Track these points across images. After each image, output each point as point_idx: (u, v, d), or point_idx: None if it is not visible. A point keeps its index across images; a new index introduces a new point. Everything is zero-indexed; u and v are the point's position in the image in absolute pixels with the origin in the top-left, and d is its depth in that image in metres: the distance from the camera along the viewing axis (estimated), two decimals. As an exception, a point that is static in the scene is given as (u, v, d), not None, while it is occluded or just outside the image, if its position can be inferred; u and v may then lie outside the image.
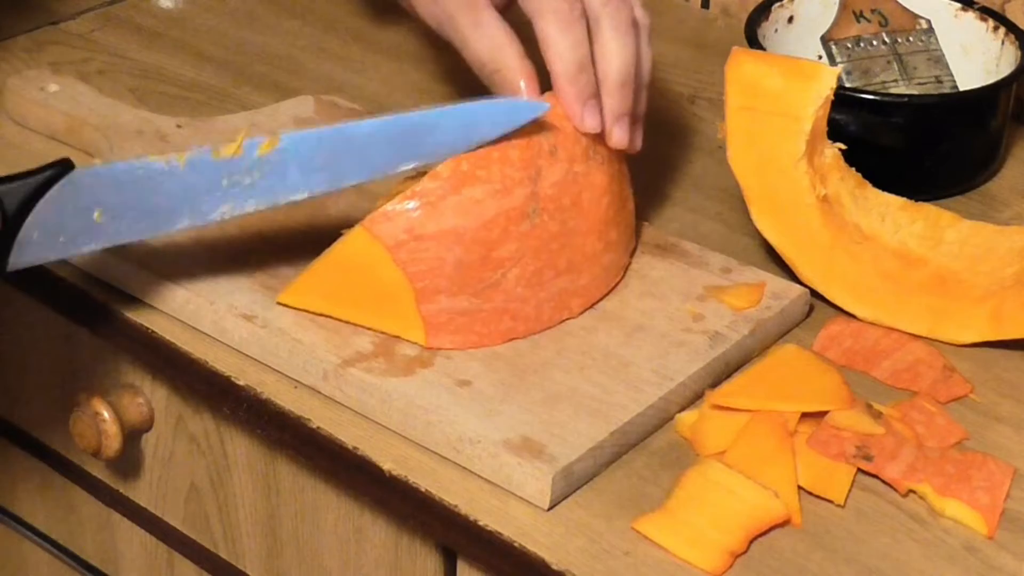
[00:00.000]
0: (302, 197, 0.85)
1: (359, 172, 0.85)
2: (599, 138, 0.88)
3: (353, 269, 0.85)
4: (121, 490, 1.03)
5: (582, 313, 0.88)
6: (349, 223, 0.87)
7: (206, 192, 0.84)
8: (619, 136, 0.89)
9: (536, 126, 0.86)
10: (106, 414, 0.95)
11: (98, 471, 1.04)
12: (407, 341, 0.86)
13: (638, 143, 0.91)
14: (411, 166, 0.85)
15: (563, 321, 0.88)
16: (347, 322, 0.87)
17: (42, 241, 0.81)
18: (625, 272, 0.92)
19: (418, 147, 0.85)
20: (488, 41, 0.89)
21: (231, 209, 0.85)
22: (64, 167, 0.82)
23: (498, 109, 0.86)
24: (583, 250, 0.87)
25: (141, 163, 0.84)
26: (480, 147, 0.84)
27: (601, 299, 0.89)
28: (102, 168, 0.84)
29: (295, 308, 0.87)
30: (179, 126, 1.02)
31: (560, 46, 0.87)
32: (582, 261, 0.88)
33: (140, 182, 0.84)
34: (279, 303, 0.88)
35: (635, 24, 0.90)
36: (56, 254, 0.83)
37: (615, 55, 0.88)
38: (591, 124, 0.87)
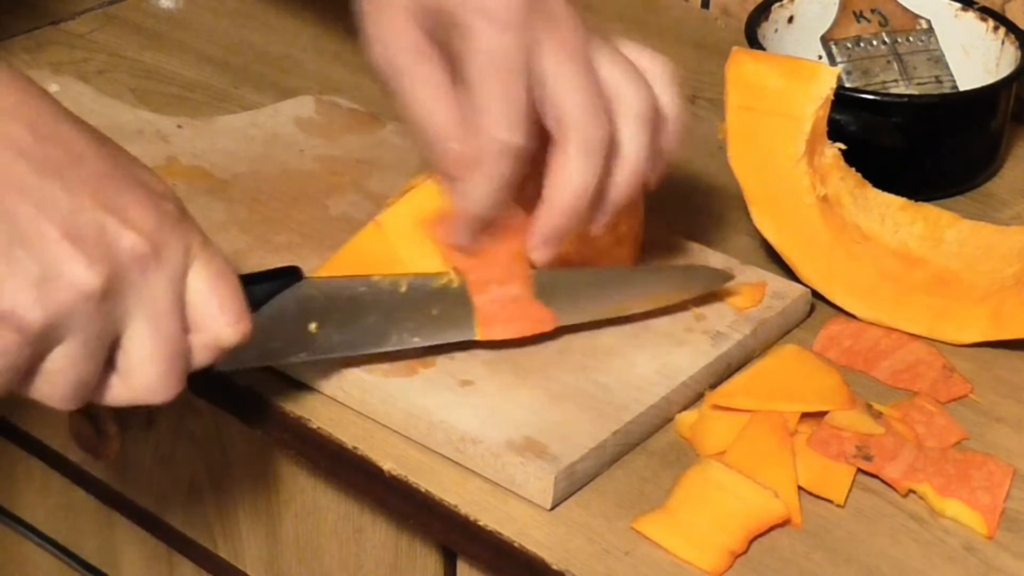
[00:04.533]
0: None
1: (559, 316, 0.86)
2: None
3: (368, 264, 0.85)
4: (121, 490, 1.03)
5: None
6: (351, 223, 0.87)
7: (417, 316, 0.83)
8: (539, 256, 0.83)
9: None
10: (106, 414, 0.95)
11: (98, 471, 1.04)
12: None
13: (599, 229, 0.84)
14: (601, 317, 0.87)
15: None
16: None
17: (258, 345, 0.78)
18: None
19: (615, 297, 0.87)
20: (428, 102, 0.80)
21: (431, 338, 0.84)
22: (293, 275, 0.80)
23: (688, 273, 0.90)
24: (596, 245, 0.87)
25: (365, 281, 0.82)
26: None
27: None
28: (329, 282, 0.82)
29: None
30: (179, 126, 1.03)
31: (576, 181, 0.80)
32: (594, 256, 0.87)
33: (360, 299, 0.82)
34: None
35: (654, 119, 0.83)
36: (266, 361, 0.81)
37: (576, 179, 0.80)
38: (544, 257, 0.83)
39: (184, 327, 0.72)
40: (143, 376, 0.71)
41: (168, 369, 0.71)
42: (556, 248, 0.82)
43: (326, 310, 0.81)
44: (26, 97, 0.71)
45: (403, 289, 0.83)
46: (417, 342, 0.83)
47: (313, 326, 0.81)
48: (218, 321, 0.72)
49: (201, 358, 0.73)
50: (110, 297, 0.69)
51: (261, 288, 0.79)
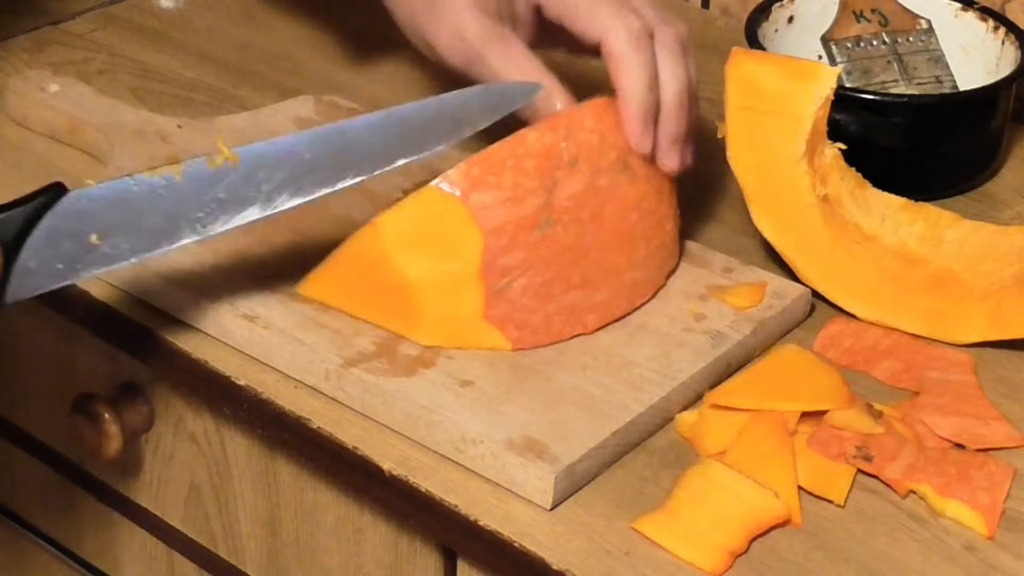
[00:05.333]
0: (302, 200, 0.84)
1: (357, 170, 0.84)
2: (637, 154, 0.88)
3: (364, 266, 0.85)
4: (121, 490, 1.03)
5: (597, 330, 0.88)
6: (351, 223, 0.87)
7: (204, 204, 0.82)
8: (671, 161, 0.89)
9: (561, 135, 0.85)
10: (106, 414, 0.95)
11: (98, 471, 1.04)
12: (409, 341, 0.86)
13: (689, 161, 0.91)
14: (407, 160, 0.84)
15: (575, 336, 0.87)
16: (357, 318, 0.86)
17: (40, 270, 0.79)
18: (657, 292, 0.91)
19: (412, 140, 0.84)
20: (520, 73, 0.89)
21: (230, 220, 0.83)
22: (56, 192, 0.79)
23: (488, 94, 0.86)
24: (601, 265, 0.87)
25: (136, 180, 0.82)
26: (472, 133, 0.84)
27: (623, 317, 0.89)
28: (96, 189, 0.81)
29: (309, 300, 0.87)
30: (180, 126, 1.03)
31: (633, 63, 0.88)
32: (599, 276, 0.87)
33: (137, 200, 0.81)
34: (298, 292, 0.88)
35: (684, 45, 0.91)
36: (55, 282, 0.80)
37: (675, 78, 0.89)
38: (647, 145, 0.88)
39: None
40: None
41: None
42: (679, 150, 0.89)
43: (103, 218, 0.80)
44: None
45: (179, 179, 0.82)
46: (212, 230, 0.82)
47: (94, 237, 0.80)
48: None
49: None
50: None
51: (23, 210, 0.78)
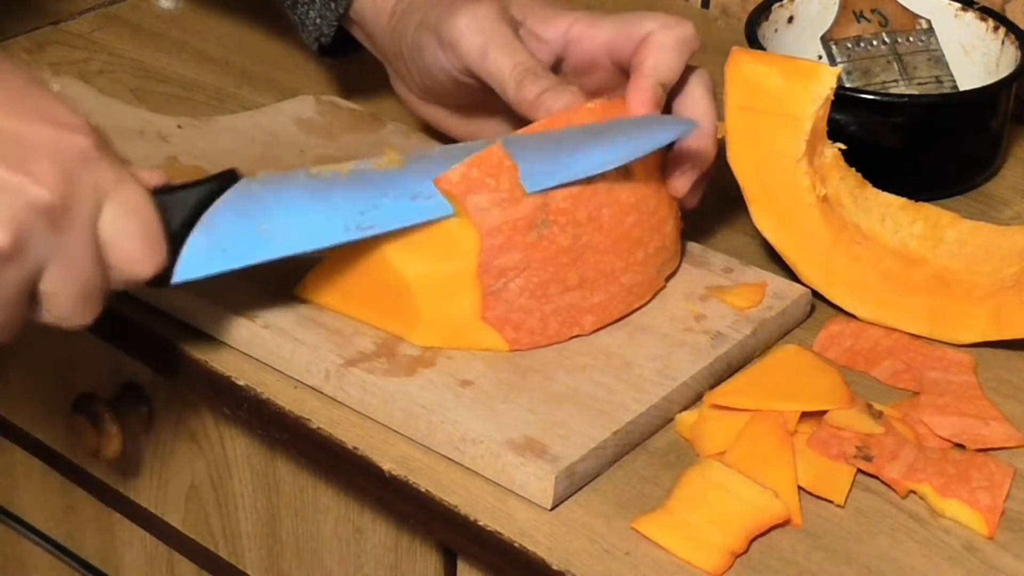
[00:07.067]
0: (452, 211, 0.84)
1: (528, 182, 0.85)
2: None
3: (361, 267, 0.85)
4: (121, 490, 1.03)
5: (595, 332, 0.88)
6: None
7: (367, 205, 0.83)
8: (693, 199, 0.92)
9: None
10: (106, 414, 0.95)
11: (98, 471, 1.04)
12: (408, 341, 0.86)
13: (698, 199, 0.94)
14: (564, 181, 0.85)
15: (572, 338, 0.87)
16: (355, 319, 0.86)
17: (205, 253, 0.79)
18: (656, 294, 0.91)
19: (573, 164, 0.85)
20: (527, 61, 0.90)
21: (388, 222, 0.83)
22: (229, 178, 0.80)
23: (647, 125, 0.88)
24: (599, 267, 0.86)
25: (307, 174, 0.83)
26: (629, 163, 0.86)
27: (621, 319, 0.89)
28: (267, 179, 0.82)
29: (307, 301, 0.87)
30: (180, 127, 1.03)
31: (670, 52, 0.89)
32: (597, 278, 0.87)
33: (304, 194, 0.82)
34: (297, 294, 0.88)
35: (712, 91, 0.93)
36: (218, 267, 0.80)
37: (708, 116, 0.91)
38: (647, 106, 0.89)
39: (99, 262, 0.74)
40: (60, 308, 0.74)
41: (83, 302, 0.74)
42: (655, 111, 0.89)
43: (271, 208, 0.81)
44: None
45: (345, 177, 0.83)
46: (370, 231, 0.83)
47: (262, 226, 0.80)
48: (131, 260, 0.75)
49: (120, 287, 0.76)
50: (20, 252, 0.70)
51: (199, 192, 0.79)
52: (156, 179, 0.77)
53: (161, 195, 0.77)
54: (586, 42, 0.93)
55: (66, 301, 0.74)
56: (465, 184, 0.83)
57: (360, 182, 0.83)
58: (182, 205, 0.78)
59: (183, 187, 0.78)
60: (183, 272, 0.79)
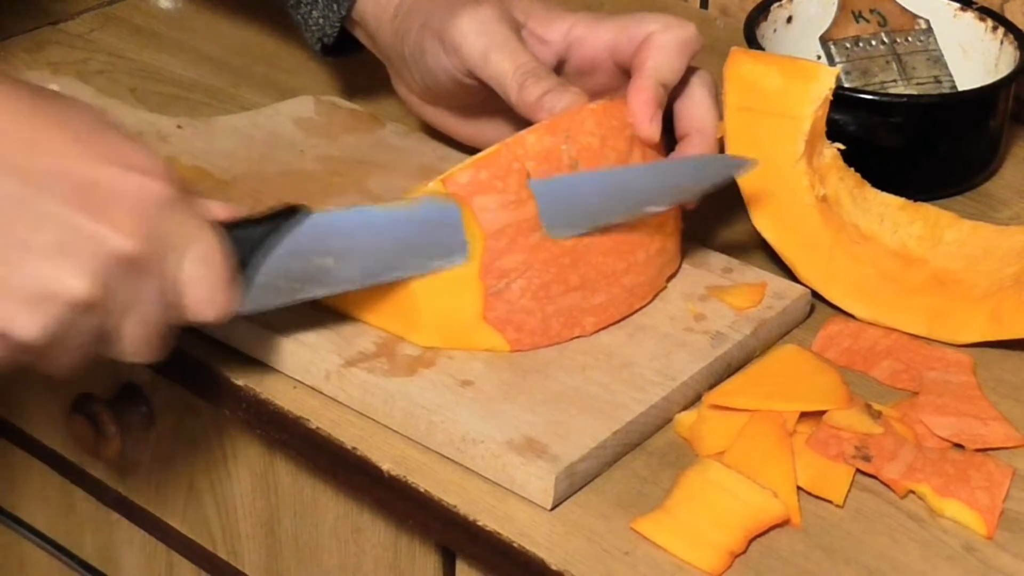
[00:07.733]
0: None
1: (567, 226, 0.85)
2: (636, 159, 0.88)
3: None
4: (120, 490, 1.03)
5: (596, 332, 0.88)
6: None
7: (434, 241, 0.84)
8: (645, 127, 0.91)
9: (561, 138, 0.85)
10: (106, 415, 0.95)
11: (97, 471, 1.04)
12: (409, 341, 0.86)
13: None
14: (615, 220, 0.86)
15: (574, 338, 0.87)
16: (355, 319, 0.86)
17: (268, 287, 0.79)
18: (657, 295, 0.91)
19: (625, 202, 0.86)
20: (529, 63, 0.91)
21: (452, 261, 0.84)
22: (299, 211, 0.80)
23: (703, 164, 0.90)
24: (600, 268, 0.86)
25: (377, 209, 0.84)
26: (680, 202, 0.88)
27: (621, 320, 0.89)
28: (340, 215, 0.83)
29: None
30: (179, 127, 1.03)
31: (672, 53, 0.90)
32: (598, 279, 0.87)
33: (374, 228, 0.83)
34: None
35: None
36: (282, 300, 0.81)
37: (713, 118, 0.93)
38: (655, 132, 0.89)
39: (172, 306, 0.75)
40: (129, 348, 0.75)
41: (153, 342, 0.75)
42: (657, 112, 0.89)
43: (341, 243, 0.81)
44: None
45: (416, 212, 0.83)
46: (433, 267, 0.84)
47: (330, 260, 0.81)
48: (202, 303, 0.76)
49: (187, 325, 0.77)
50: (99, 302, 0.71)
51: (265, 227, 0.79)
52: (224, 213, 0.78)
53: (229, 229, 0.77)
54: (588, 43, 0.93)
55: (135, 341, 0.75)
56: (473, 186, 0.83)
57: (428, 217, 0.83)
58: (248, 239, 0.78)
59: (250, 221, 0.79)
60: (247, 306, 0.79)
